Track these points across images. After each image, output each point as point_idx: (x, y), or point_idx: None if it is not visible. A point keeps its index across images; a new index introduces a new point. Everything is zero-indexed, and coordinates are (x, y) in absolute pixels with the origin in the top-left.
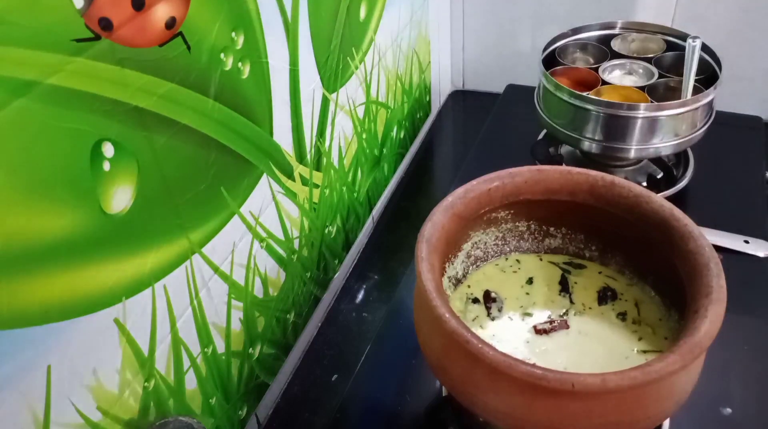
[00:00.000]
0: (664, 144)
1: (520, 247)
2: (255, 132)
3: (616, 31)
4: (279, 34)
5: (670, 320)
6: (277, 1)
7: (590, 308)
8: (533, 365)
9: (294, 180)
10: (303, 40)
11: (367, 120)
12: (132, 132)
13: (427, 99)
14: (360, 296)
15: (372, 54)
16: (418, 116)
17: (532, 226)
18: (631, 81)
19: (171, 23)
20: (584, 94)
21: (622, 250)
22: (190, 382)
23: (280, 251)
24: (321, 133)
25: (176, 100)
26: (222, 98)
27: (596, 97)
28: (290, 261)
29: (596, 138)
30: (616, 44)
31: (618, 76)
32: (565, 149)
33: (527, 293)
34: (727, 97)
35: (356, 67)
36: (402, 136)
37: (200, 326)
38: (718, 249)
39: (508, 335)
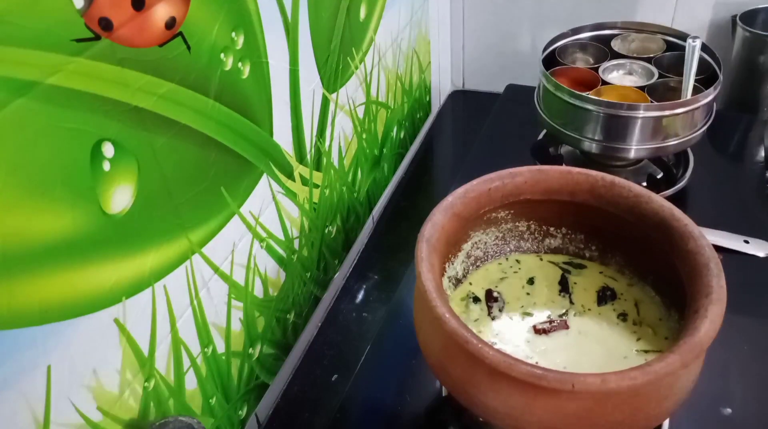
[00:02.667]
0: (663, 144)
1: (520, 247)
2: (255, 132)
3: (616, 31)
4: (279, 34)
5: (670, 320)
6: (277, 1)
7: (590, 309)
8: (533, 365)
9: (294, 180)
10: (303, 40)
11: (367, 120)
12: (132, 132)
13: (427, 99)
14: (360, 296)
15: (372, 54)
16: (418, 116)
17: (532, 226)
18: (631, 81)
19: (171, 23)
20: (584, 94)
21: (622, 250)
22: (190, 382)
23: (280, 251)
24: (321, 133)
25: (176, 100)
26: (222, 98)
27: (596, 97)
28: (290, 261)
29: (596, 138)
30: (616, 44)
31: (618, 76)
32: (565, 149)
33: (528, 293)
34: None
35: (356, 67)
36: (402, 136)
37: (200, 326)
38: (718, 249)
39: (509, 335)
